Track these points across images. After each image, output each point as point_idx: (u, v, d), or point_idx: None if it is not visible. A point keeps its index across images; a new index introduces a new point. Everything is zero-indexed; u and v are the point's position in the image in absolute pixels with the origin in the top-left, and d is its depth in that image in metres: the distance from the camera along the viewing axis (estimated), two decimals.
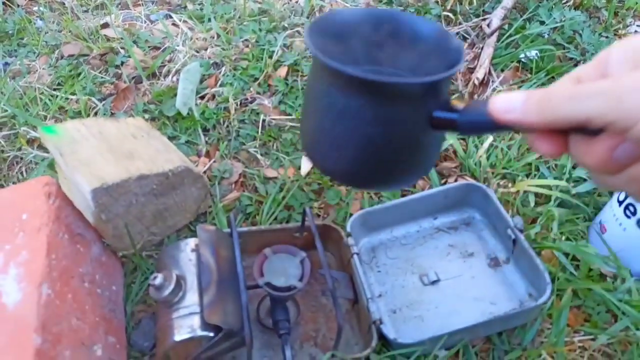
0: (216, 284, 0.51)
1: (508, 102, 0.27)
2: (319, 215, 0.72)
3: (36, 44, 0.99)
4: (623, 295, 0.59)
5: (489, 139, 0.75)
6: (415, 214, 0.69)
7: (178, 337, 0.49)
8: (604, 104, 0.22)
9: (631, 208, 0.63)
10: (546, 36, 1.00)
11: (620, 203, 0.64)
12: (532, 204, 0.70)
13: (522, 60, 0.94)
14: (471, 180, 0.72)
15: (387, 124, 0.32)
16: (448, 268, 0.64)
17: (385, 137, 0.32)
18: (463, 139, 0.78)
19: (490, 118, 0.28)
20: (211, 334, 0.49)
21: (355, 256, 0.61)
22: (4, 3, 1.13)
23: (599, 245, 0.67)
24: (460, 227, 0.69)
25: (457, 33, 0.96)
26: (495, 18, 0.94)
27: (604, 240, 0.66)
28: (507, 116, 0.27)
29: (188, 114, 0.81)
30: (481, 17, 0.98)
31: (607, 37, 1.05)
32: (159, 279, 0.50)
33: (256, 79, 0.88)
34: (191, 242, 0.57)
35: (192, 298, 0.51)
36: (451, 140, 0.77)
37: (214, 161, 0.77)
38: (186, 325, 0.50)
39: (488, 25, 0.91)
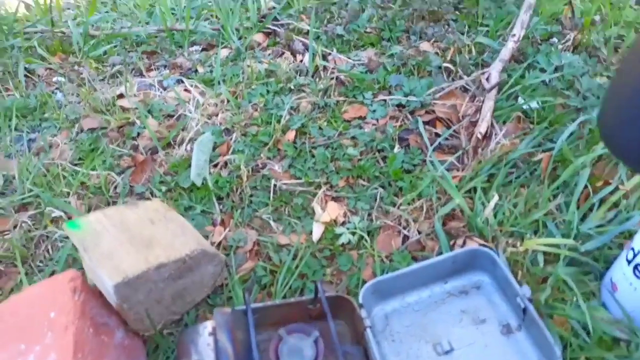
0: None
1: None
2: (331, 283, 0.74)
3: (57, 118, 1.04)
4: None
5: (495, 197, 0.77)
6: (425, 280, 0.70)
7: None
8: None
9: None
10: (547, 82, 1.02)
11: (629, 262, 0.65)
12: (541, 263, 0.71)
13: (525, 109, 0.96)
14: (479, 240, 0.74)
15: None
16: (461, 336, 0.65)
17: None
18: (470, 197, 0.80)
19: None
20: None
21: (368, 329, 0.62)
22: (26, 75, 1.20)
23: (612, 304, 0.67)
24: (471, 290, 0.70)
25: (457, 88, 0.99)
26: (494, 71, 0.96)
27: (616, 300, 0.67)
28: None
29: (203, 183, 0.85)
30: (480, 71, 1.00)
31: (608, 76, 1.06)
32: None
33: (266, 144, 0.92)
34: (209, 326, 0.59)
35: None
36: (457, 199, 0.79)
37: (229, 230, 0.80)
38: None
39: (487, 80, 0.94)
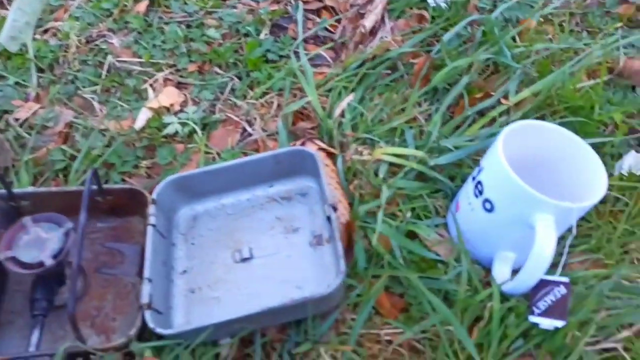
0: None
1: None
2: (148, 177, 0.64)
3: None
4: (446, 284, 0.52)
5: (349, 97, 0.66)
6: (247, 181, 0.60)
7: None
8: None
9: (479, 186, 0.54)
10: None
11: (474, 179, 0.56)
12: (382, 174, 0.61)
13: (427, 6, 0.82)
14: (320, 144, 0.64)
15: None
16: (266, 244, 0.56)
17: None
18: (327, 95, 0.69)
19: None
20: None
21: (150, 227, 0.53)
22: None
23: (452, 225, 0.59)
24: (295, 197, 0.60)
25: None
26: None
27: (455, 219, 0.58)
28: None
29: (21, 50, 0.71)
30: None
31: None
32: None
33: (111, 14, 0.77)
34: None
35: None
36: (311, 96, 0.67)
37: (41, 107, 0.68)
38: None
39: None
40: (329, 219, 0.52)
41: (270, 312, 0.46)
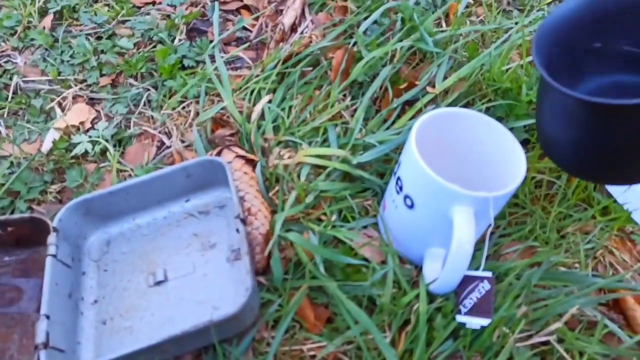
0: None
1: None
2: (60, 202, 0.60)
3: None
4: (370, 290, 0.49)
5: (265, 98, 0.62)
6: (161, 198, 0.57)
7: None
8: None
9: (399, 182, 0.51)
10: None
11: (395, 174, 0.53)
12: (303, 178, 0.58)
13: None
14: (239, 151, 0.60)
15: (607, 136, 0.35)
16: (182, 264, 0.53)
17: (609, 146, 0.35)
18: (243, 99, 0.65)
19: None
20: None
21: (50, 258, 0.49)
22: None
23: (381, 225, 0.56)
24: (213, 210, 0.57)
25: None
26: None
27: (382, 219, 0.56)
28: None
29: None
30: None
31: None
32: None
33: (15, 32, 0.72)
34: None
35: None
36: (226, 101, 0.64)
37: None
38: None
39: None
40: (238, 232, 0.48)
41: (174, 340, 0.42)
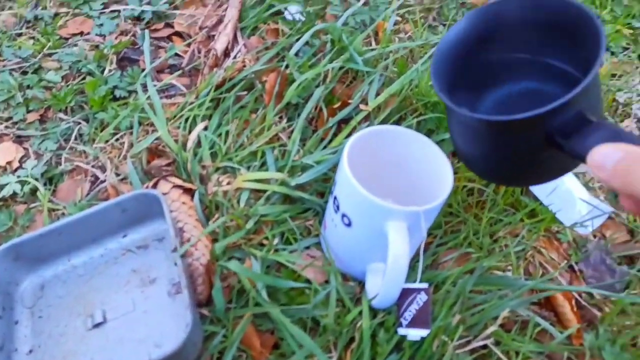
0: None
1: (604, 158, 0.27)
2: None
3: None
4: (313, 311, 0.49)
5: (199, 126, 0.62)
6: (96, 235, 0.55)
7: None
8: None
9: (336, 201, 0.52)
10: None
11: (332, 193, 0.54)
12: (243, 203, 0.58)
13: (287, 18, 0.80)
14: (177, 181, 0.59)
15: (507, 148, 0.36)
16: (121, 303, 0.51)
17: (512, 157, 0.37)
18: (178, 127, 0.65)
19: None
20: None
21: None
22: None
23: (324, 244, 0.57)
24: (152, 244, 0.56)
25: None
26: None
27: (324, 238, 0.57)
28: (598, 173, 0.27)
29: None
30: None
31: None
32: None
33: None
34: None
35: None
36: (160, 130, 0.63)
37: None
38: None
39: None
40: (176, 265, 0.48)
41: None
